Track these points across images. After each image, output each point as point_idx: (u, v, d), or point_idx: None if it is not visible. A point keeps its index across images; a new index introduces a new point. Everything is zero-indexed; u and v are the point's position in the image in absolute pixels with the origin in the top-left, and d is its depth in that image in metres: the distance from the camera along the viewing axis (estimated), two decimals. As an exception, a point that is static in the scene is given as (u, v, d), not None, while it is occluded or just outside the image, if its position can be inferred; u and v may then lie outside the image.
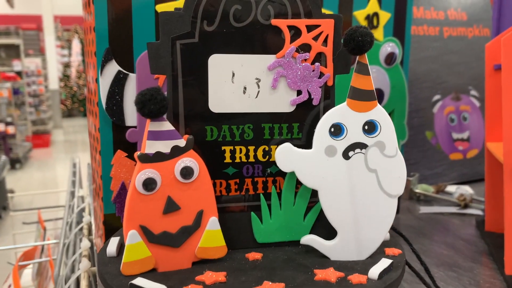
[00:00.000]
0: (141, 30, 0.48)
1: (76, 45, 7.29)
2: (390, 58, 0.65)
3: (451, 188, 0.80)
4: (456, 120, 0.88)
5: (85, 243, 0.58)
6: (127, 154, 0.50)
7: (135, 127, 0.49)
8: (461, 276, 0.51)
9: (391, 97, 0.67)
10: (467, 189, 0.77)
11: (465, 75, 0.90)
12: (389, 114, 0.71)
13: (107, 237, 0.50)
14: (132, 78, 0.48)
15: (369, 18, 0.63)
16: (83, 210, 0.82)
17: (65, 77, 7.38)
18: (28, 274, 1.26)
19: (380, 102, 0.66)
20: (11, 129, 4.12)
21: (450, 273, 0.51)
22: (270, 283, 0.31)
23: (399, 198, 0.74)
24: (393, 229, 0.41)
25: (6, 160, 2.84)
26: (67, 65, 7.42)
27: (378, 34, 0.64)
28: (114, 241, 0.38)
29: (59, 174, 3.77)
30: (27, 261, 1.05)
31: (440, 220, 0.70)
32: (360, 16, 0.63)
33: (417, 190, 0.79)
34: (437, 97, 0.87)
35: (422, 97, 0.87)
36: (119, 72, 0.48)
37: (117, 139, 0.49)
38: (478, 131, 0.90)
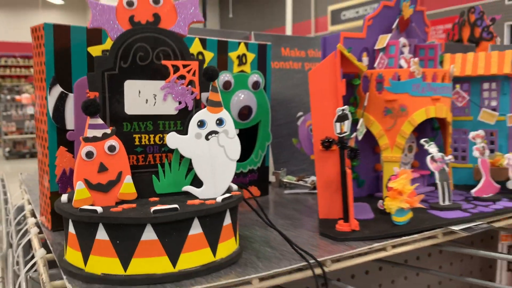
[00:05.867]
0: (77, 64, 0.71)
1: None
2: (256, 85, 0.94)
3: (309, 179, 1.10)
4: (315, 130, 1.20)
5: (31, 220, 0.78)
6: (67, 149, 0.72)
7: (72, 130, 0.72)
8: (294, 222, 0.79)
9: (258, 112, 0.95)
10: (318, 178, 1.07)
11: (321, 98, 1.23)
12: (257, 124, 0.99)
13: (52, 208, 0.71)
14: (71, 97, 0.71)
15: (239, 57, 0.92)
16: (22, 208, 0.99)
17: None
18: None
19: (250, 115, 0.94)
20: None
21: (287, 221, 0.79)
22: (160, 204, 0.55)
23: (270, 184, 1.02)
24: (241, 186, 0.68)
25: None
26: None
27: (247, 68, 0.93)
28: (64, 196, 0.60)
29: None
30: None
31: (297, 198, 0.99)
32: (233, 56, 0.91)
33: (284, 180, 1.08)
34: (300, 113, 1.18)
35: (289, 113, 1.17)
36: (62, 93, 0.71)
37: (60, 139, 0.71)
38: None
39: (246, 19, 13.68)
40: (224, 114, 0.62)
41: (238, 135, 0.94)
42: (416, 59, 0.86)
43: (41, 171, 0.75)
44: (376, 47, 0.91)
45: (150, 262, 0.53)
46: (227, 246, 0.59)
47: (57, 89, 0.71)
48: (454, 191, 0.94)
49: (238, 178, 0.94)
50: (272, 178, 1.10)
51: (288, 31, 7.94)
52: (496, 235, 1.10)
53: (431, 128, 1.02)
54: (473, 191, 0.87)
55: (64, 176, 0.72)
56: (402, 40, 0.93)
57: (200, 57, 0.85)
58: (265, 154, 0.98)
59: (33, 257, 0.69)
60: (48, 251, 0.66)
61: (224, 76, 0.89)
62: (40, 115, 0.73)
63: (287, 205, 0.92)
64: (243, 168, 0.95)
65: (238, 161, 0.94)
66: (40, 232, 0.75)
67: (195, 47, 0.84)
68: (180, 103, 0.62)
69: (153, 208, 0.53)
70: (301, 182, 1.08)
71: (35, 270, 0.65)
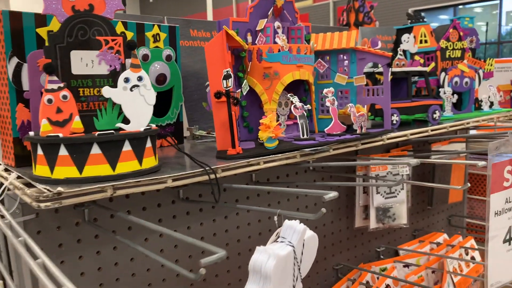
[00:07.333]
0: (28, 40, 0.95)
1: None
2: (169, 57, 1.23)
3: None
4: (220, 96, 1.51)
5: (-5, 163, 1.01)
6: (24, 105, 0.96)
7: (27, 90, 0.96)
8: (200, 154, 1.09)
9: (171, 79, 1.24)
10: (222, 131, 1.38)
11: (225, 70, 1.54)
12: (171, 88, 1.29)
13: (16, 150, 0.95)
14: (25, 66, 0.95)
15: (154, 36, 1.20)
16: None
17: None
18: None
19: (165, 81, 1.23)
20: None
21: (196, 155, 1.10)
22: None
23: (185, 138, 1.31)
24: (163, 134, 0.97)
25: None
26: None
27: (160, 44, 1.21)
28: (31, 132, 0.85)
29: None
30: None
31: (206, 144, 1.30)
32: (149, 35, 1.19)
33: (196, 133, 1.38)
34: (208, 83, 1.49)
35: (199, 82, 1.47)
36: (18, 63, 0.95)
37: (18, 97, 0.96)
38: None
39: (166, 4, 13.62)
40: (142, 73, 0.91)
41: (157, 96, 1.23)
42: (284, 37, 1.20)
43: (4, 123, 0.99)
44: (257, 29, 1.24)
45: (97, 168, 0.81)
46: (149, 161, 0.89)
47: (14, 60, 0.94)
48: (317, 133, 1.30)
49: (160, 129, 1.23)
50: (187, 133, 1.40)
51: (209, 17, 8.17)
52: (356, 168, 1.49)
53: (303, 90, 1.37)
54: (325, 129, 1.24)
55: (23, 126, 0.97)
56: (277, 23, 1.27)
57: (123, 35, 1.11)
58: (179, 112, 1.28)
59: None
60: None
61: (143, 51, 1.17)
62: (2, 80, 0.97)
63: (198, 148, 1.23)
64: (162, 122, 1.24)
65: (157, 116, 1.23)
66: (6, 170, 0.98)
67: (119, 28, 1.11)
68: (110, 66, 0.89)
69: (97, 133, 0.81)
70: (209, 135, 1.38)
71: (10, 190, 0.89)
